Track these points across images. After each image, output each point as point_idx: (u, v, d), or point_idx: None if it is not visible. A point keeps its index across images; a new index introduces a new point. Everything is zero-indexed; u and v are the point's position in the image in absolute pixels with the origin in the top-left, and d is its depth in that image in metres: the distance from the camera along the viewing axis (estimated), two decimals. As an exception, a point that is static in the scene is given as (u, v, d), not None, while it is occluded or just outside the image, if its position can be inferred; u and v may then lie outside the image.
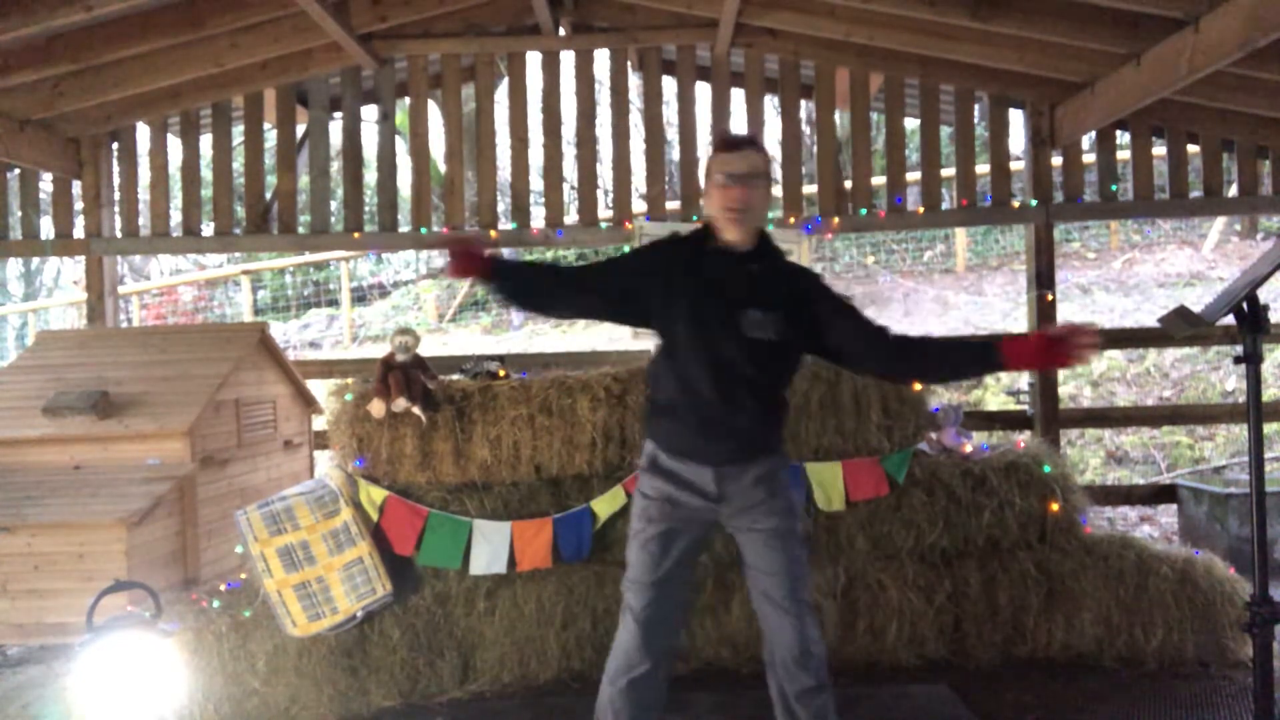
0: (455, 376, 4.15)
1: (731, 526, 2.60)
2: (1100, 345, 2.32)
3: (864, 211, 5.20)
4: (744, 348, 2.47)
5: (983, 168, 5.34)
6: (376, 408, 3.79)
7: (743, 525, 2.57)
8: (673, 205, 5.95)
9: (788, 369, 2.61)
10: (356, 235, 5.32)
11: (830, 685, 2.53)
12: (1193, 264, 10.42)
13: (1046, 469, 3.93)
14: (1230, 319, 2.34)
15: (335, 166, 7.12)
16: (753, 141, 2.53)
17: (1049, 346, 2.32)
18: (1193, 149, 5.28)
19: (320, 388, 4.90)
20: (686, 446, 2.54)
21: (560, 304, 2.67)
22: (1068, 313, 8.72)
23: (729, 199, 2.45)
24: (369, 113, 5.74)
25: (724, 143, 2.56)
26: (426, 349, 4.23)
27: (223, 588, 3.82)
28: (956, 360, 2.57)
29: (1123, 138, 6.11)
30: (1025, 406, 5.41)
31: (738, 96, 5.28)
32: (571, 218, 5.30)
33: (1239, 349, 2.37)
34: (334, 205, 6.65)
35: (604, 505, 3.84)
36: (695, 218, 5.21)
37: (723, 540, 3.77)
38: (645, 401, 2.76)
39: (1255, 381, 2.33)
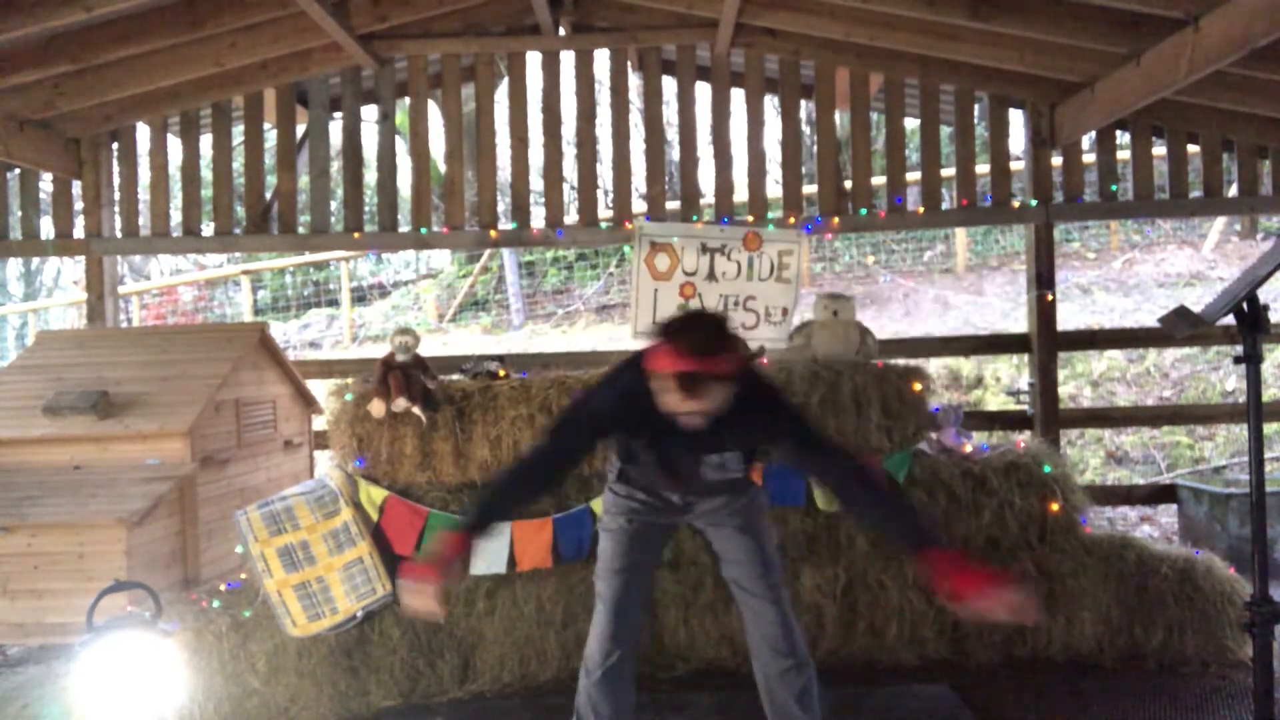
0: (455, 376, 4.15)
1: (699, 524, 2.78)
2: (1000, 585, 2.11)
3: (864, 211, 5.20)
4: (702, 484, 2.64)
5: (983, 168, 5.34)
6: (376, 408, 3.79)
7: (708, 523, 2.74)
8: (673, 205, 5.95)
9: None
10: (356, 235, 5.32)
11: (811, 664, 2.64)
12: (1193, 264, 10.41)
13: (1046, 469, 3.93)
14: (1230, 319, 2.34)
15: (335, 166, 7.12)
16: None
17: (970, 584, 2.14)
18: (1193, 149, 5.28)
19: (320, 388, 4.91)
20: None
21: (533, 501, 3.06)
22: (1068, 313, 8.72)
23: (691, 419, 2.35)
24: (369, 113, 5.74)
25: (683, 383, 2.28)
26: (426, 349, 4.23)
27: (223, 588, 3.81)
28: (891, 532, 2.52)
29: (1123, 138, 6.10)
30: (1025, 406, 5.41)
31: (738, 96, 5.28)
32: (571, 218, 5.30)
33: (1239, 349, 2.37)
34: (334, 205, 6.65)
35: (604, 505, 3.84)
36: (695, 218, 5.21)
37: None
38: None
39: (1255, 381, 2.33)
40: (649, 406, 2.37)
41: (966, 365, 8.49)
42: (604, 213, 5.36)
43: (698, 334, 2.30)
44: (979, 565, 2.19)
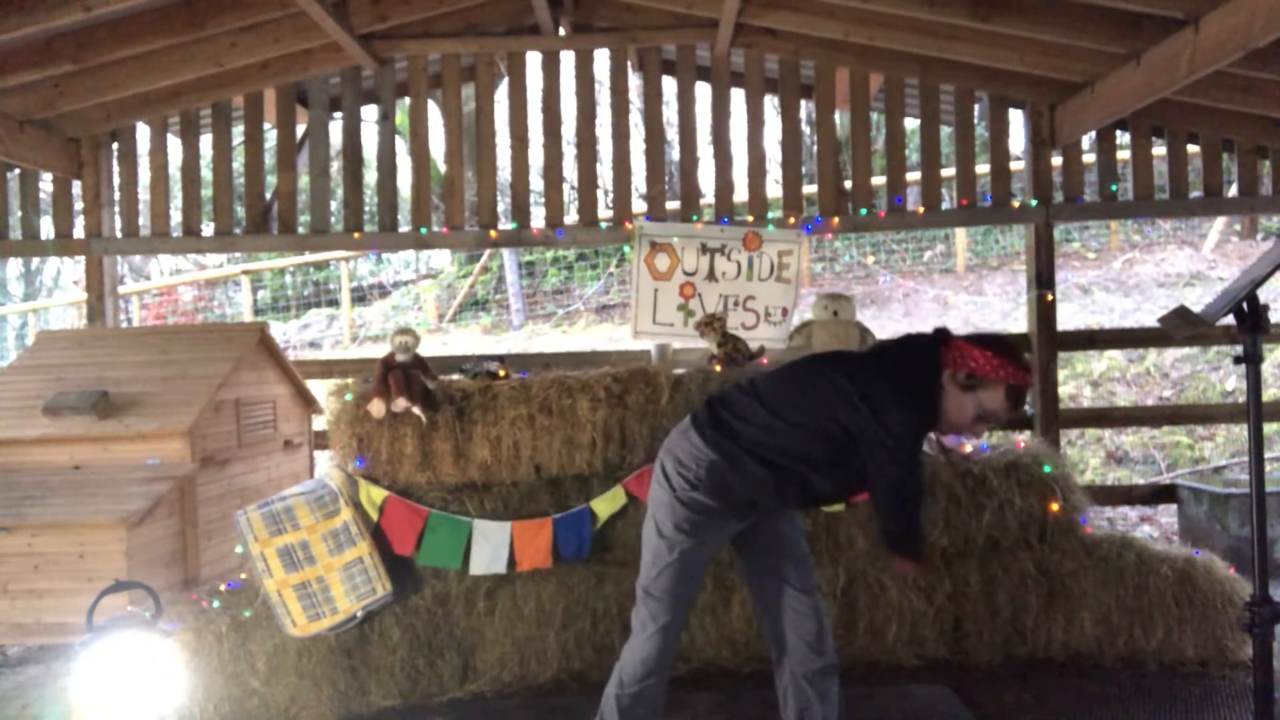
0: (455, 376, 4.15)
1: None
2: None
3: (864, 211, 5.20)
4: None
5: (983, 168, 5.34)
6: (376, 408, 3.79)
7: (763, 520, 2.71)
8: (673, 205, 5.95)
9: None
10: (356, 235, 5.32)
11: (838, 666, 2.69)
12: (1193, 264, 10.41)
13: (1046, 469, 3.93)
14: (1230, 319, 2.33)
15: (335, 166, 7.12)
16: None
17: None
18: (1193, 149, 5.28)
19: (320, 388, 4.90)
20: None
21: None
22: (1067, 313, 8.72)
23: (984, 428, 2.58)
24: (369, 113, 5.74)
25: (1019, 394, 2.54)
26: (426, 349, 4.22)
27: (223, 588, 3.81)
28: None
29: (1123, 138, 6.10)
30: (1025, 406, 5.41)
31: (738, 96, 5.28)
32: (571, 218, 5.30)
33: (1239, 349, 2.36)
34: (334, 205, 6.65)
35: (604, 505, 3.84)
36: (695, 218, 5.21)
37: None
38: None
39: (1255, 381, 2.33)
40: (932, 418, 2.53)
41: (966, 365, 8.46)
42: (604, 213, 5.36)
43: (1022, 353, 2.56)
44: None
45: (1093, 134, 5.31)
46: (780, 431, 2.53)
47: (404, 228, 5.39)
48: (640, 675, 2.63)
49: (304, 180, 5.55)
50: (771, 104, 6.82)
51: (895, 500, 2.49)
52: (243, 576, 3.85)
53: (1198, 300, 7.47)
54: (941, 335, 2.56)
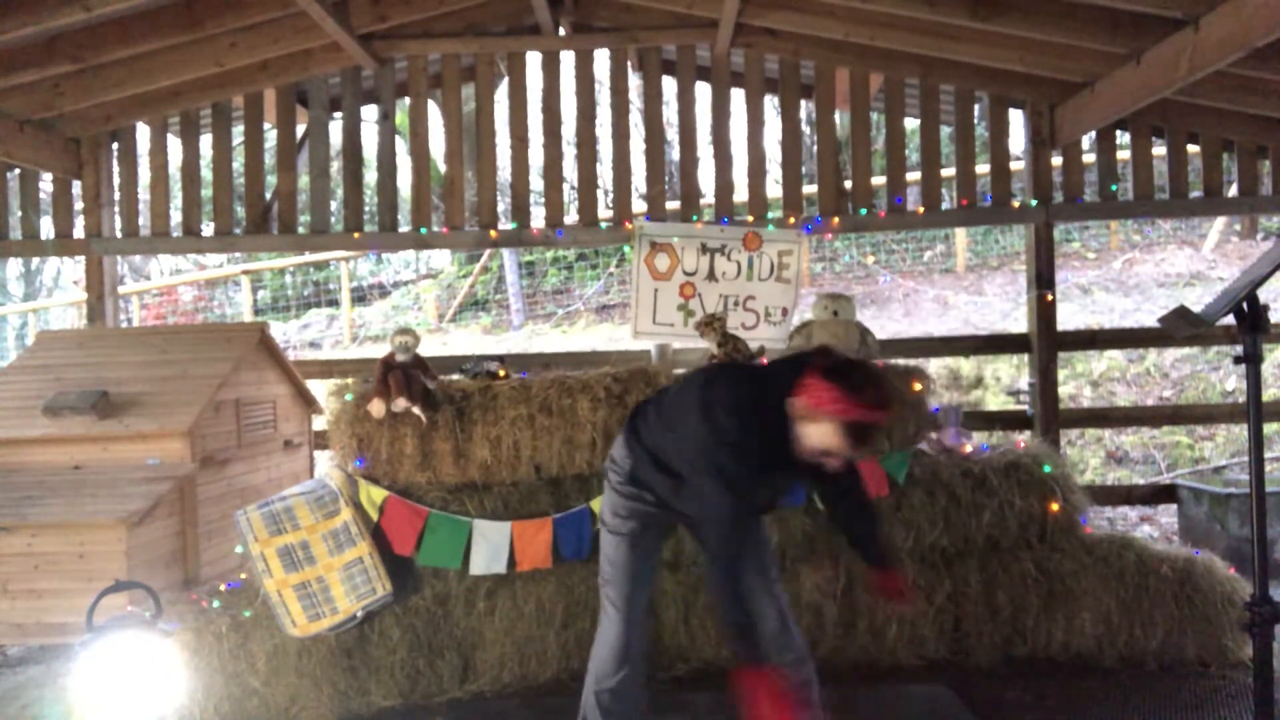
0: (455, 376, 4.15)
1: None
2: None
3: (864, 211, 5.20)
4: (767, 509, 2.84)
5: (983, 168, 5.34)
6: (376, 408, 3.79)
7: None
8: (673, 205, 5.95)
9: None
10: (356, 235, 5.32)
11: (810, 660, 2.68)
12: (1193, 264, 10.41)
13: (1046, 469, 3.93)
14: (1230, 319, 2.34)
15: (335, 166, 7.12)
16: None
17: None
18: (1193, 149, 5.28)
19: (320, 388, 4.90)
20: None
21: None
22: (1067, 313, 8.72)
23: (837, 461, 2.33)
24: (369, 113, 5.74)
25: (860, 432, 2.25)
26: (426, 349, 4.22)
27: (223, 588, 3.81)
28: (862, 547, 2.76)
29: (1123, 138, 6.10)
30: (1025, 406, 5.41)
31: (738, 96, 5.28)
32: (571, 218, 5.30)
33: (1239, 349, 2.36)
34: (334, 205, 6.65)
35: (604, 505, 3.84)
36: (695, 218, 5.21)
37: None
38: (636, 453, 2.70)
39: (1255, 381, 2.33)
40: (777, 443, 2.33)
41: (966, 365, 8.48)
42: (604, 213, 5.36)
43: (877, 387, 2.25)
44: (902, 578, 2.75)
45: (1093, 134, 5.32)
46: (665, 437, 2.60)
47: (404, 228, 5.39)
48: (613, 668, 2.64)
49: (304, 180, 5.55)
50: (771, 104, 6.82)
51: (714, 534, 2.29)
52: (243, 576, 3.85)
53: (1198, 300, 7.47)
54: (815, 357, 2.36)
